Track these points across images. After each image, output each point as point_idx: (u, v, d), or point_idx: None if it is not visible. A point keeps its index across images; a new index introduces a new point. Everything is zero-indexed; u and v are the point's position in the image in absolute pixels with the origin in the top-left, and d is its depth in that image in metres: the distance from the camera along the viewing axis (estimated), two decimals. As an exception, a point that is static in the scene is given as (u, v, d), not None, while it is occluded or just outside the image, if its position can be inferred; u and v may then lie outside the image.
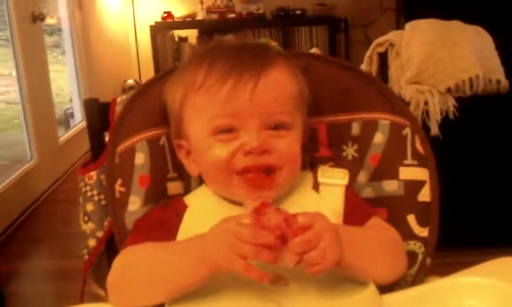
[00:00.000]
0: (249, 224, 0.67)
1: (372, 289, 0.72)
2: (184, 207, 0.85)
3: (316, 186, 0.87)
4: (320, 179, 0.88)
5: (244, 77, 0.79)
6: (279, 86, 0.82)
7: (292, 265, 0.67)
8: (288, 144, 0.82)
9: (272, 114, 0.80)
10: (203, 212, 0.85)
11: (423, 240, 0.87)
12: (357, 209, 0.86)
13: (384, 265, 0.78)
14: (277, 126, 0.81)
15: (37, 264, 2.48)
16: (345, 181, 0.87)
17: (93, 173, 0.96)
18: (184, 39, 5.11)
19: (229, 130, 0.80)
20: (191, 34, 5.10)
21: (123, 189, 0.88)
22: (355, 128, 0.93)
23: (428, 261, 0.86)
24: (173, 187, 0.90)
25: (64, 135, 3.75)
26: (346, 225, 0.81)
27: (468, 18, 2.34)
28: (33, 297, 2.14)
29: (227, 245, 0.67)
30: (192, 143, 0.84)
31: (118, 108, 0.96)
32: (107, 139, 0.96)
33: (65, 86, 4.68)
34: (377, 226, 0.85)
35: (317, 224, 0.68)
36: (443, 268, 0.81)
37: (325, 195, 0.86)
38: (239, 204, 0.82)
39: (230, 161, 0.79)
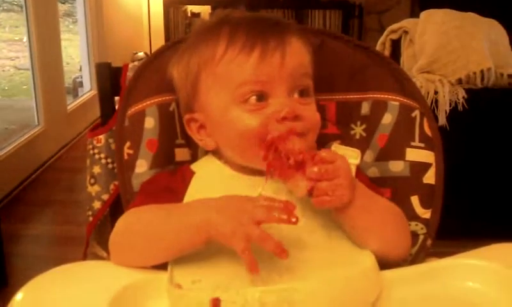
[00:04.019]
0: (264, 208, 0.67)
1: (372, 263, 0.73)
2: (191, 174, 0.86)
3: None
4: None
5: (270, 44, 0.79)
6: (300, 52, 0.83)
7: (304, 192, 0.70)
8: (313, 111, 0.83)
9: (298, 79, 0.81)
10: (209, 179, 0.85)
11: (425, 222, 0.88)
12: None
13: (391, 234, 0.79)
14: (302, 92, 0.82)
15: (40, 228, 2.51)
16: (357, 161, 0.88)
17: (102, 136, 0.96)
18: (196, 15, 5.09)
19: (258, 97, 0.79)
20: (204, 10, 5.07)
21: (131, 152, 0.89)
22: (365, 108, 0.93)
23: (429, 242, 0.87)
24: (181, 154, 0.91)
25: (72, 103, 3.76)
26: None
27: (484, 10, 2.32)
28: (34, 259, 2.16)
29: (240, 224, 0.67)
30: (212, 115, 0.83)
31: (130, 74, 0.96)
32: (117, 104, 0.96)
33: (75, 54, 4.69)
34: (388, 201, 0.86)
35: (338, 161, 0.71)
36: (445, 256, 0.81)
37: None
38: (249, 173, 0.83)
39: (263, 130, 0.78)
